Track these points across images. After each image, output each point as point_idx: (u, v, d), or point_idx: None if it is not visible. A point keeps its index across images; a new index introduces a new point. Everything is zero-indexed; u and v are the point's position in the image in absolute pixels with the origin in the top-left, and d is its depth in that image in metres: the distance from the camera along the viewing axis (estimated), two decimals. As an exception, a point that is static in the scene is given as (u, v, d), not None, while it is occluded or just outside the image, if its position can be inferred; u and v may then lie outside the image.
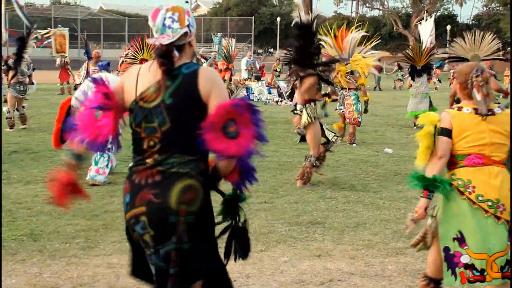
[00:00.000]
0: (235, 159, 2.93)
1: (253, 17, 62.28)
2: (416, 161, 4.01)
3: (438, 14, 67.08)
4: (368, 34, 11.01)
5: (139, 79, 2.98)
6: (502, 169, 3.83)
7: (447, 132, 3.86)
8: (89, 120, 2.97)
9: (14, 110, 13.43)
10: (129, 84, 3.01)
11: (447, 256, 3.81)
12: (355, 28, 10.40)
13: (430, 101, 15.26)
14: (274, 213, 6.71)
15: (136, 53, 13.31)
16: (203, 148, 2.85)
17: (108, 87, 3.00)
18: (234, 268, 4.93)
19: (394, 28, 62.21)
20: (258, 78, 27.34)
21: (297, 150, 11.12)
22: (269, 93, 23.99)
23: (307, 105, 8.20)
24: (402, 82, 28.94)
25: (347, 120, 12.54)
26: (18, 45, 14.04)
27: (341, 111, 12.67)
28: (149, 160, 2.93)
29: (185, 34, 2.95)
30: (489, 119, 3.84)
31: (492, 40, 7.02)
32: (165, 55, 2.90)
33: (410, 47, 16.10)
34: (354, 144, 12.16)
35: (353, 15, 73.22)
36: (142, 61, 13.92)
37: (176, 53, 2.92)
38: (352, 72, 12.09)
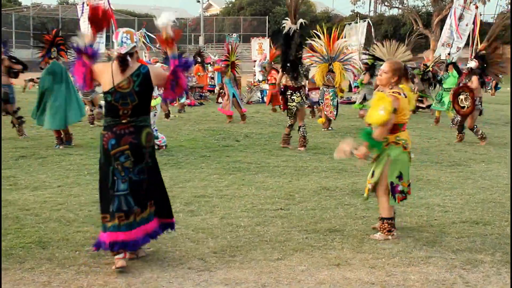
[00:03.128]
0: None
1: (267, 16, 62.27)
2: (370, 121, 6.01)
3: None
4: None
5: (114, 74, 5.19)
6: None
7: (395, 111, 5.89)
8: (81, 74, 5.31)
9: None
10: (106, 75, 5.23)
11: (392, 187, 6.07)
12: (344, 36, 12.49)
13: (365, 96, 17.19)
14: (291, 220, 6.71)
15: (228, 56, 16.68)
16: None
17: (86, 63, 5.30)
18: (249, 277, 4.95)
19: (414, 28, 61.94)
20: (272, 80, 27.31)
21: (313, 154, 11.12)
22: (284, 95, 23.92)
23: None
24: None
25: (325, 112, 15.01)
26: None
27: (320, 105, 15.26)
28: (124, 120, 5.20)
29: (134, 47, 5.24)
30: (407, 99, 6.08)
31: (405, 51, 8.06)
32: (122, 59, 5.18)
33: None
34: (330, 129, 15.15)
35: (371, 14, 73.11)
36: (233, 63, 16.68)
37: (128, 58, 5.18)
38: (332, 71, 14.38)
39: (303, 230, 6.32)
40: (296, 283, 4.89)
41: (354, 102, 24.50)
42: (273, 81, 20.01)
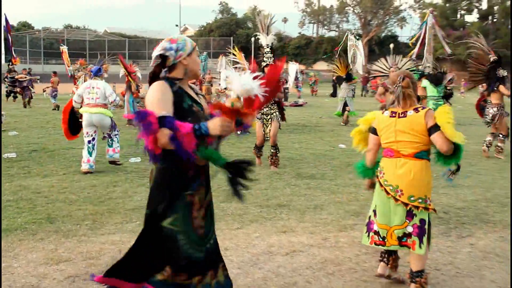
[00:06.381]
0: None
1: (231, 37, 62.18)
2: (354, 146, 4.48)
3: (383, 34, 67.67)
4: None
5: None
6: (410, 161, 3.82)
7: (373, 130, 4.08)
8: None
9: None
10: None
11: (368, 222, 4.09)
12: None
13: (345, 104, 16.21)
14: (248, 198, 6.75)
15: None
16: None
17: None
18: (215, 242, 4.98)
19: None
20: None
21: (267, 147, 11.17)
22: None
23: None
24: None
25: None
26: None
27: None
28: None
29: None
30: (399, 120, 3.86)
31: (408, 60, 7.76)
32: None
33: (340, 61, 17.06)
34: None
35: (315, 35, 73.47)
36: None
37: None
38: None
39: (258, 206, 6.38)
40: (251, 246, 4.94)
41: (301, 105, 24.53)
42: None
